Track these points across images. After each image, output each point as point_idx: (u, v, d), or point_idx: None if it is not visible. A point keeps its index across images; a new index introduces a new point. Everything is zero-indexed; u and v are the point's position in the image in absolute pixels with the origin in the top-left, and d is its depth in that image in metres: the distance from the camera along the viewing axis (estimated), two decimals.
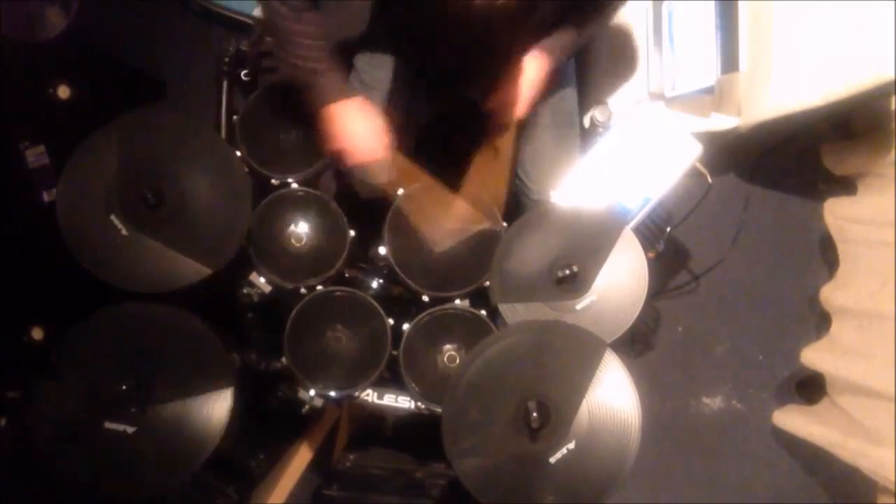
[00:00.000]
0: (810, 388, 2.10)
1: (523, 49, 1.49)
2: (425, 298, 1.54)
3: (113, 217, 1.40)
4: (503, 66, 1.50)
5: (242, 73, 1.76)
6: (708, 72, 1.78)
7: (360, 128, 1.39)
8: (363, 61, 1.64)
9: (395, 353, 1.51)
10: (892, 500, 1.77)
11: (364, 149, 1.42)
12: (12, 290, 1.78)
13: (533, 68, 1.46)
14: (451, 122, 1.55)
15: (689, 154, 1.51)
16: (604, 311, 1.40)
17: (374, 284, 1.64)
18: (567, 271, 1.38)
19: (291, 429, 1.99)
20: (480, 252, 1.55)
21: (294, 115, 1.66)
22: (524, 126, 1.64)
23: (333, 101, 1.37)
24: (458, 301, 1.55)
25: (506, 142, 1.53)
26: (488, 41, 1.41)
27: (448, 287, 1.53)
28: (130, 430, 1.30)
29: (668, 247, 1.66)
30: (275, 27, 1.31)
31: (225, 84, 1.80)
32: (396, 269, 1.52)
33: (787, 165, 2.22)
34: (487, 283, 1.50)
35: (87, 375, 1.33)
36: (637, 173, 1.51)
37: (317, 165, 1.62)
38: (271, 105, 1.65)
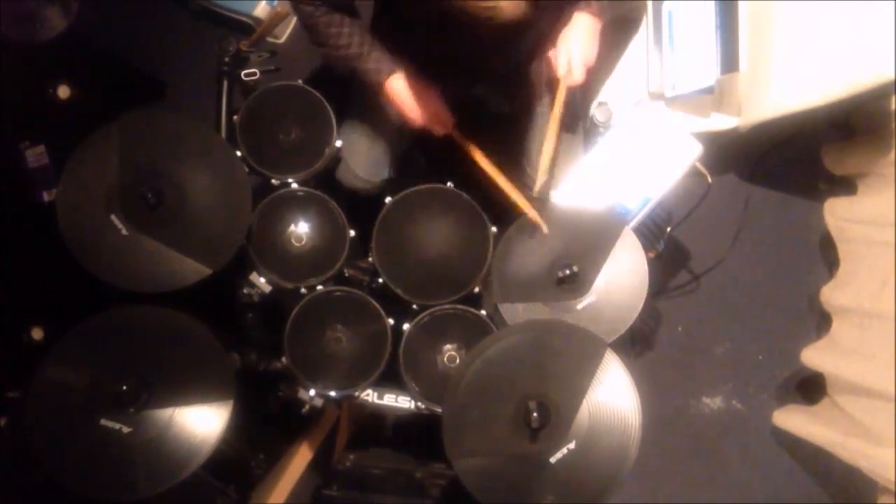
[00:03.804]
0: (810, 388, 2.10)
1: (536, 45, 1.49)
2: (415, 306, 1.54)
3: (113, 217, 1.40)
4: (513, 63, 1.49)
5: (242, 73, 1.76)
6: (708, 72, 1.77)
7: (419, 99, 1.43)
8: None
9: (395, 353, 1.52)
10: (892, 500, 1.77)
11: (422, 115, 1.45)
12: (12, 289, 1.78)
13: (582, 24, 1.40)
14: (459, 120, 1.55)
15: (689, 154, 1.51)
16: (604, 311, 1.40)
17: (374, 284, 1.64)
18: (567, 271, 1.38)
19: (291, 429, 1.99)
20: (469, 258, 1.55)
21: (294, 115, 1.66)
22: (530, 118, 1.64)
23: (387, 77, 1.40)
24: None
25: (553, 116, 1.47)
26: (494, 39, 1.40)
27: (437, 294, 1.53)
28: (126, 429, 1.30)
29: (668, 247, 1.66)
30: (312, 27, 1.36)
31: (225, 84, 1.80)
32: (385, 278, 1.53)
33: (787, 165, 2.22)
34: (477, 289, 1.50)
35: (87, 375, 1.33)
36: (637, 173, 1.51)
37: (317, 165, 1.62)
38: (271, 105, 1.65)
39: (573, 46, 1.40)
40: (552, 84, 1.52)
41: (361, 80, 1.43)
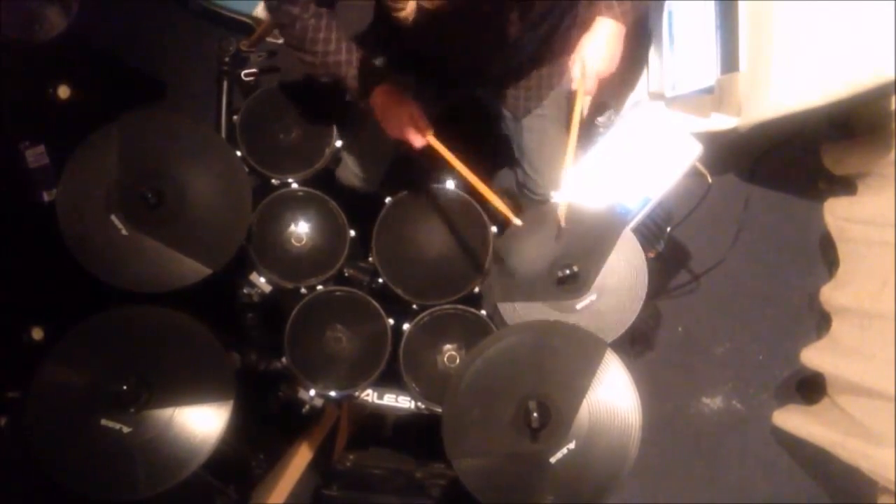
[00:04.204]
0: (810, 388, 2.10)
1: (539, 49, 1.48)
2: (415, 306, 1.54)
3: (113, 217, 1.40)
4: (514, 66, 1.47)
5: (242, 73, 1.76)
6: (708, 72, 1.77)
7: (396, 110, 1.37)
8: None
9: (395, 353, 1.52)
10: (892, 500, 1.77)
11: (405, 130, 1.38)
12: (12, 289, 1.78)
13: (604, 30, 1.34)
14: (459, 121, 1.54)
15: (689, 154, 1.51)
16: (604, 311, 1.40)
17: (374, 284, 1.64)
18: (567, 271, 1.38)
19: (291, 429, 1.99)
20: (469, 259, 1.55)
21: (294, 115, 1.66)
22: (531, 121, 1.64)
23: (372, 87, 1.34)
24: None
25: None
26: (493, 43, 1.40)
27: (437, 294, 1.53)
28: (126, 429, 1.30)
29: (668, 247, 1.66)
30: (293, 29, 1.30)
31: (225, 84, 1.80)
32: (385, 278, 1.53)
33: (787, 165, 2.22)
34: (476, 289, 1.50)
35: (87, 375, 1.33)
36: (637, 173, 1.51)
37: (317, 165, 1.62)
38: (271, 105, 1.65)
39: (588, 54, 1.36)
40: (570, 90, 1.49)
41: (342, 87, 1.38)
